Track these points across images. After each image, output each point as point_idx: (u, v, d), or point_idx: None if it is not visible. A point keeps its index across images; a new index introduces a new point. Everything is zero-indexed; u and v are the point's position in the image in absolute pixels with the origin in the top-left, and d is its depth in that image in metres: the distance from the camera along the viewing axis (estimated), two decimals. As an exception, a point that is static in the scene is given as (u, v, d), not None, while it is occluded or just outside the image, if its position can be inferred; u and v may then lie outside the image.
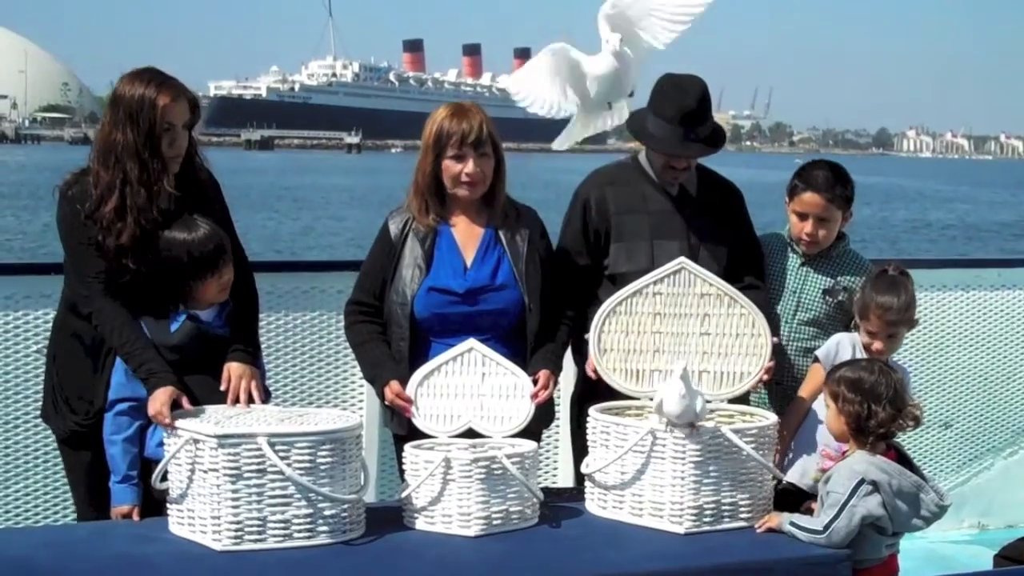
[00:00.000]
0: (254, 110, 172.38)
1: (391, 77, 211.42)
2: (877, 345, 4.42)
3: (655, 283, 4.39)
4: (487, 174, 4.33)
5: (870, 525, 3.92)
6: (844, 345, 4.51)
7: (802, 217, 4.74)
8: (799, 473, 4.52)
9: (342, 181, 72.46)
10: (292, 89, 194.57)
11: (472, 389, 4.20)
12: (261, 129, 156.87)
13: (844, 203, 4.75)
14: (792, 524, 3.96)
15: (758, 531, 4.03)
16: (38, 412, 4.51)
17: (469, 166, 4.29)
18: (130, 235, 4.08)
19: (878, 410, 3.96)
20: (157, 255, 4.12)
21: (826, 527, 3.88)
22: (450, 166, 4.31)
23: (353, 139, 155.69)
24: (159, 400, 3.89)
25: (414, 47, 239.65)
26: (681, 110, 4.53)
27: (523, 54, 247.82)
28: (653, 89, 4.66)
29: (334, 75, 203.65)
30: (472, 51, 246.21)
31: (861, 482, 3.88)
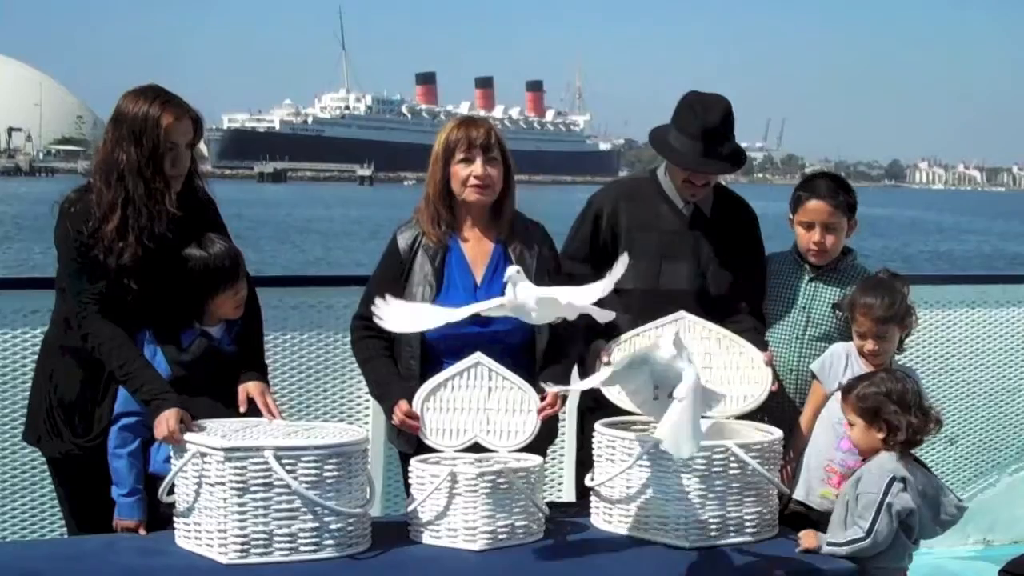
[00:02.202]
0: (267, 142, 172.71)
1: (404, 110, 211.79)
2: (869, 346, 4.45)
3: (657, 328, 4.48)
4: (496, 180, 4.33)
5: (900, 524, 3.97)
6: (838, 355, 4.54)
7: (809, 227, 4.76)
8: (804, 490, 4.54)
9: (355, 213, 72.57)
10: (305, 122, 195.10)
11: (478, 403, 4.19)
12: (274, 161, 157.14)
13: (848, 209, 4.76)
14: (831, 544, 3.99)
15: (797, 551, 4.03)
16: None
17: (477, 168, 4.29)
18: (132, 255, 4.05)
19: (911, 418, 4.05)
20: (169, 272, 4.11)
21: (869, 531, 3.93)
22: (459, 170, 4.32)
23: (366, 171, 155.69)
24: (169, 421, 3.88)
25: (427, 80, 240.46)
26: (704, 125, 4.55)
27: (535, 87, 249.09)
28: (678, 104, 4.68)
29: (347, 108, 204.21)
30: (484, 84, 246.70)
31: (893, 479, 3.96)
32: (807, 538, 4.06)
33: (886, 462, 4.04)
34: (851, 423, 4.16)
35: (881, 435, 4.08)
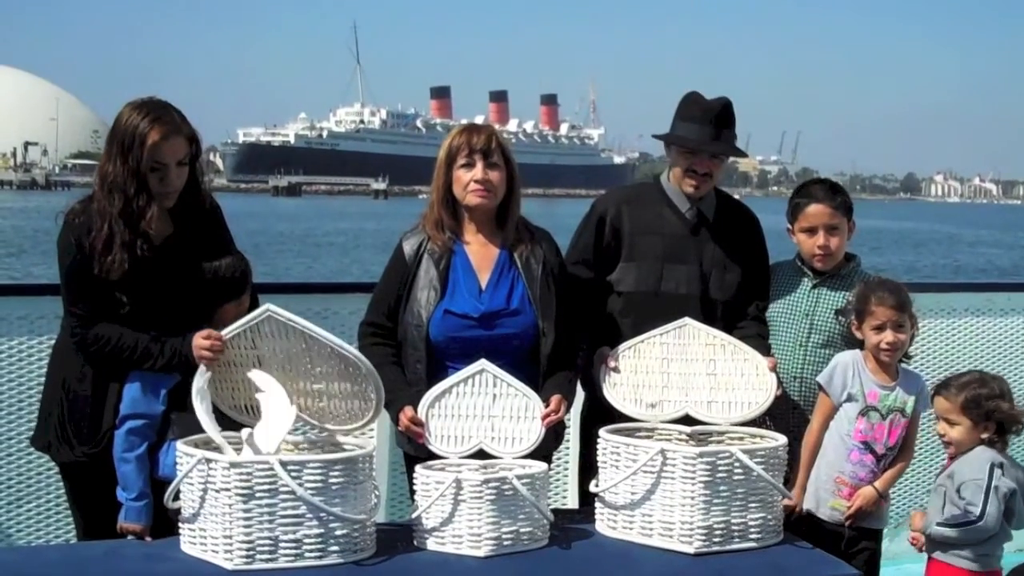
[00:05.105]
0: (282, 156, 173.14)
1: (418, 124, 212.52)
2: (889, 337, 4.44)
3: (661, 335, 4.51)
4: (497, 184, 4.36)
5: (1005, 513, 4.13)
6: (844, 365, 4.54)
7: (811, 232, 4.76)
8: (814, 502, 4.54)
9: (370, 226, 72.65)
10: (320, 136, 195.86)
11: (483, 410, 4.21)
12: (289, 175, 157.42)
13: (847, 211, 4.78)
14: (940, 524, 4.14)
15: (912, 541, 4.27)
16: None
17: (478, 172, 4.32)
18: (119, 270, 4.04)
19: (1016, 411, 4.24)
20: (166, 286, 4.12)
21: (982, 514, 4.08)
22: (461, 175, 4.35)
23: (380, 185, 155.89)
24: (200, 337, 3.99)
25: (441, 94, 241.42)
26: (708, 111, 4.62)
27: (549, 100, 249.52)
28: (680, 102, 4.75)
29: (362, 122, 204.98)
30: (499, 97, 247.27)
31: (993, 465, 4.11)
32: (916, 518, 4.25)
33: (982, 452, 4.18)
34: (953, 422, 4.25)
35: (987, 434, 4.20)
